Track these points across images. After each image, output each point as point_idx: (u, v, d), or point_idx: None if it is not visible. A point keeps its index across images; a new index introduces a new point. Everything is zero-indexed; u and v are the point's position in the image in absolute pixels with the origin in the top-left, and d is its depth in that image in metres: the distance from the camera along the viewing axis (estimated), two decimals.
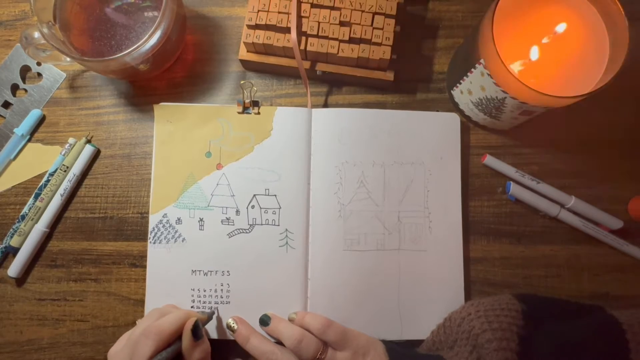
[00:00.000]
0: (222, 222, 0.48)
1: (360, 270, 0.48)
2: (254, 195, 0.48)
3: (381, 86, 0.52)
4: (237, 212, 0.48)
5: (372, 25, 0.48)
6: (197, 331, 0.40)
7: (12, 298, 0.49)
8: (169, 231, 0.48)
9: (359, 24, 0.48)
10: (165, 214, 0.48)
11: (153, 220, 0.48)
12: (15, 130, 0.51)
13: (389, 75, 0.50)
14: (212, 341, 0.46)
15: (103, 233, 0.50)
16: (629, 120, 0.52)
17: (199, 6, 0.54)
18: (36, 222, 0.49)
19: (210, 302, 0.47)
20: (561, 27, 0.41)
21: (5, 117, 0.52)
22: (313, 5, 0.48)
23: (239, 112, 0.50)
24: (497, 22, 0.39)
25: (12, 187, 0.51)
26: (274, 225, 0.48)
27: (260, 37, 0.48)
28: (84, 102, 0.52)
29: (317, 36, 0.48)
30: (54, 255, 0.50)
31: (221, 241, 0.48)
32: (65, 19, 0.46)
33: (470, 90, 0.46)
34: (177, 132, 0.50)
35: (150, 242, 0.48)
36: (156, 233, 0.48)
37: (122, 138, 0.52)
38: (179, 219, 0.48)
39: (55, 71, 0.53)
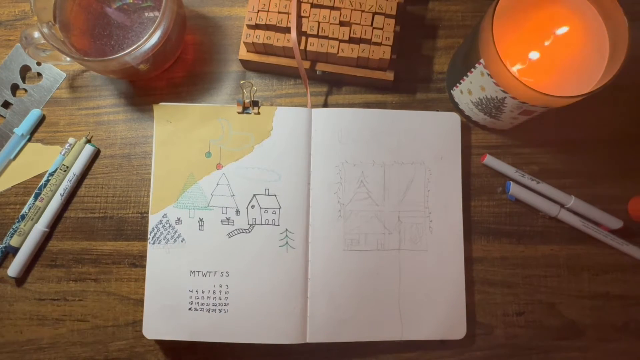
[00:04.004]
0: (222, 222, 0.48)
1: (361, 270, 0.48)
2: (254, 195, 0.48)
3: (381, 86, 0.52)
4: (237, 212, 0.48)
5: (372, 25, 0.48)
6: None
7: (12, 298, 0.49)
8: (169, 231, 0.48)
9: (359, 24, 0.47)
10: (165, 214, 0.48)
11: (153, 220, 0.48)
12: (15, 130, 0.51)
13: (389, 75, 0.50)
14: (211, 344, 0.46)
15: (103, 233, 0.50)
16: (629, 120, 0.52)
17: (199, 6, 0.54)
18: (36, 221, 0.49)
19: (208, 304, 0.47)
20: (561, 30, 0.41)
21: (5, 117, 0.52)
22: (313, 5, 0.48)
23: (238, 112, 0.50)
24: (497, 22, 0.39)
25: (12, 187, 0.51)
26: (274, 225, 0.48)
27: (260, 37, 0.48)
28: (84, 102, 0.52)
29: (317, 36, 0.48)
30: (54, 255, 0.50)
31: (221, 241, 0.48)
32: (65, 19, 0.46)
33: (470, 90, 0.46)
34: (177, 132, 0.50)
35: (150, 242, 0.48)
36: (155, 233, 0.48)
37: (122, 138, 0.52)
38: (178, 219, 0.48)
39: (55, 71, 0.53)
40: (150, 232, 0.48)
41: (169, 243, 0.48)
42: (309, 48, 0.48)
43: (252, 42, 0.48)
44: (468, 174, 0.51)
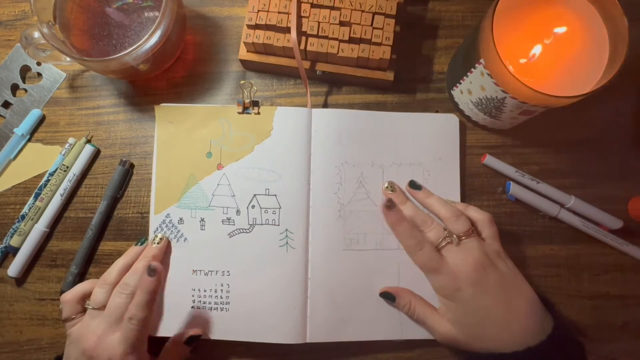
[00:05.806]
0: (222, 222, 0.48)
1: (360, 270, 0.48)
2: (254, 195, 0.48)
3: (381, 86, 0.52)
4: (238, 212, 0.48)
5: (372, 25, 0.48)
6: None
7: (12, 298, 0.49)
8: (172, 231, 0.48)
9: (359, 24, 0.48)
10: (168, 214, 0.48)
11: (156, 220, 0.48)
12: (15, 130, 0.51)
13: (389, 75, 0.50)
14: (212, 342, 0.46)
15: (103, 233, 0.50)
16: (629, 120, 0.52)
17: (199, 6, 0.54)
18: (36, 221, 0.49)
19: (210, 302, 0.47)
20: (561, 30, 0.41)
21: (5, 117, 0.52)
22: (313, 5, 0.48)
23: (239, 112, 0.50)
24: (497, 22, 0.39)
25: (12, 187, 0.51)
26: (274, 225, 0.48)
27: (260, 37, 0.48)
28: (84, 102, 0.52)
29: (317, 36, 0.48)
30: (54, 255, 0.50)
31: (222, 241, 0.48)
32: (65, 19, 0.46)
33: (470, 90, 0.46)
34: (178, 133, 0.50)
35: (155, 243, 0.47)
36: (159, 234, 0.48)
37: (122, 138, 0.52)
38: (181, 219, 0.48)
39: (55, 71, 0.53)
40: (154, 233, 0.48)
41: (172, 242, 0.48)
42: (309, 48, 0.48)
43: (252, 42, 0.48)
44: (468, 174, 0.51)
